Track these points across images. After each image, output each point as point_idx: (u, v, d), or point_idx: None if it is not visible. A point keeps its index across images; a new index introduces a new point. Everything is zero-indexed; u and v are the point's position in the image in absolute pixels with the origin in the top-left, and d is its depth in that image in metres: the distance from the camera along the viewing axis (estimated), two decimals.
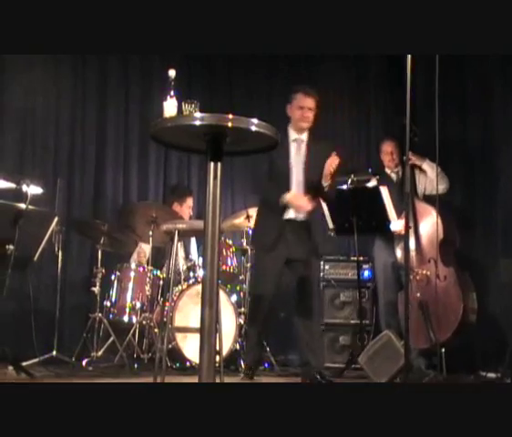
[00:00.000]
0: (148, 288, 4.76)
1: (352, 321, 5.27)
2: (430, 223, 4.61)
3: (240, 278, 5.12)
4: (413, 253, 4.60)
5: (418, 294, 4.49)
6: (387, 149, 5.10)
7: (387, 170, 5.11)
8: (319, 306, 4.62)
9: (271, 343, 4.99)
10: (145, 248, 5.16)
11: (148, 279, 4.78)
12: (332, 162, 4.04)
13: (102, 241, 4.80)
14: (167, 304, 4.20)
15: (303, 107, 4.24)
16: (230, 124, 2.28)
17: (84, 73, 5.78)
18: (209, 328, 2.38)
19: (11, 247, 3.67)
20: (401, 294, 4.65)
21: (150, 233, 4.75)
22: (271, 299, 4.16)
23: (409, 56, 2.91)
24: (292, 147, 4.28)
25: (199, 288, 4.52)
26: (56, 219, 4.24)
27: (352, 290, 5.31)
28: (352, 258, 5.30)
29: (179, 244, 5.04)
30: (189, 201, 5.47)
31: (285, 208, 4.16)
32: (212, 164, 2.41)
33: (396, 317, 4.70)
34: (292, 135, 4.30)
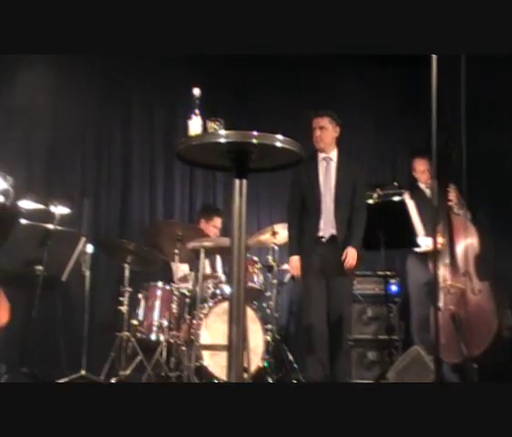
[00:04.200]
0: (174, 306, 4.76)
1: (380, 337, 5.21)
2: (466, 236, 4.55)
3: (267, 294, 5.10)
4: (447, 266, 4.54)
5: (451, 307, 4.43)
6: (420, 168, 5.03)
7: (421, 185, 5.05)
8: (347, 322, 4.57)
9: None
10: (180, 267, 5.14)
11: (174, 297, 4.78)
12: (350, 263, 4.12)
13: (129, 260, 4.82)
14: (194, 322, 4.20)
15: (315, 128, 4.28)
16: (254, 140, 2.28)
17: (110, 94, 5.85)
18: (236, 345, 2.37)
19: (40, 267, 3.71)
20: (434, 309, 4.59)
21: (177, 251, 4.77)
22: (325, 324, 4.15)
23: (434, 57, 2.77)
24: (321, 167, 4.31)
25: (225, 305, 4.53)
26: (83, 240, 4.29)
27: (379, 306, 5.26)
28: (379, 272, 5.25)
29: (206, 262, 5.04)
30: (217, 221, 5.48)
31: (316, 225, 4.20)
32: (238, 181, 2.42)
33: (429, 332, 4.64)
34: (321, 154, 4.33)
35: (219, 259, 5.53)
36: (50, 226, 3.73)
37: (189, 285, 4.91)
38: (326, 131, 4.32)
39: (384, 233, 4.60)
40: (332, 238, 4.25)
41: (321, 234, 4.24)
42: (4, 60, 5.12)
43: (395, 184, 4.96)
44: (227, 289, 4.85)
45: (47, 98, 5.55)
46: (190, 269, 5.13)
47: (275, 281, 5.08)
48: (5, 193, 3.37)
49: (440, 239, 4.40)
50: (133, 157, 5.92)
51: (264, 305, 5.14)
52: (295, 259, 4.35)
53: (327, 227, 4.28)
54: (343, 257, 4.17)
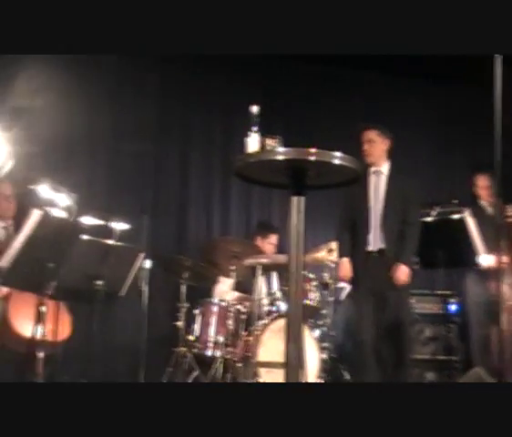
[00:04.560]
0: (230, 322, 4.78)
1: (438, 357, 5.10)
2: None
3: (323, 312, 5.07)
4: (510, 286, 4.41)
5: None
6: (483, 184, 4.91)
7: (482, 202, 4.93)
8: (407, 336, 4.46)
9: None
10: (226, 283, 5.20)
11: (230, 314, 4.80)
12: (400, 280, 4.06)
13: (186, 276, 4.88)
14: (250, 338, 4.20)
15: (364, 141, 4.26)
16: (312, 158, 2.28)
17: (167, 112, 5.96)
18: (293, 363, 2.36)
19: (100, 282, 3.77)
20: (495, 329, 4.47)
21: (233, 268, 4.79)
22: (372, 341, 4.11)
23: (498, 58, 2.68)
24: (371, 181, 4.27)
25: (281, 322, 4.52)
26: (141, 255, 4.35)
27: (438, 325, 5.16)
28: (437, 291, 5.15)
29: (262, 278, 5.05)
30: (273, 238, 5.50)
31: (364, 240, 4.16)
32: (295, 198, 2.42)
33: (490, 353, 4.51)
34: (371, 168, 4.30)
35: (275, 276, 5.54)
36: (110, 241, 3.79)
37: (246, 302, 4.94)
38: (374, 144, 4.30)
39: (443, 252, 4.52)
40: (381, 252, 4.19)
41: (369, 248, 4.20)
42: (68, 77, 5.27)
43: (455, 201, 4.86)
44: (283, 307, 4.84)
45: (108, 115, 5.70)
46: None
47: (331, 299, 5.04)
48: (68, 209, 3.46)
49: (504, 258, 4.29)
50: (190, 173, 6.00)
51: (320, 323, 5.11)
52: (345, 261, 4.32)
53: (376, 241, 4.24)
54: (394, 273, 4.12)
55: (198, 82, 5.98)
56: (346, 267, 4.32)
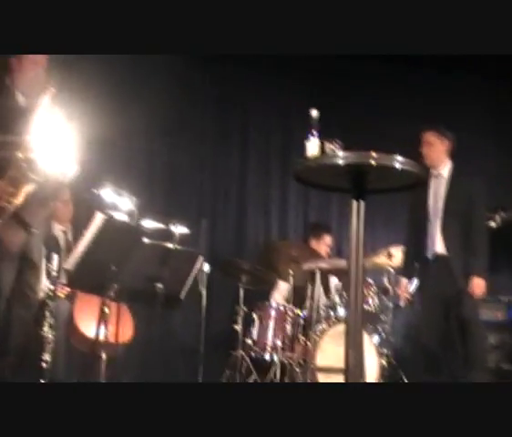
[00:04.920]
0: (288, 326, 4.77)
1: (503, 366, 4.96)
2: None
3: (382, 318, 5.00)
4: None
5: None
6: None
7: None
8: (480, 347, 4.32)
9: None
10: (284, 287, 5.20)
11: (288, 318, 4.80)
12: (477, 293, 3.97)
13: (244, 280, 4.90)
14: (308, 343, 4.19)
15: (422, 143, 4.18)
16: (373, 162, 2.26)
17: (226, 117, 6.01)
18: (353, 369, 2.34)
19: (160, 285, 3.82)
20: None
21: (291, 272, 4.79)
22: (435, 345, 4.05)
23: None
24: (432, 183, 4.20)
25: (340, 327, 4.49)
26: (200, 259, 4.39)
27: (502, 333, 5.02)
28: (501, 298, 5.01)
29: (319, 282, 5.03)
30: (327, 239, 5.47)
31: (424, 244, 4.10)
32: (355, 202, 2.40)
33: None
34: (432, 170, 4.22)
35: (333, 280, 5.50)
36: (170, 245, 3.83)
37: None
38: (433, 147, 4.22)
39: (507, 257, 4.40)
40: (443, 258, 4.11)
41: (430, 254, 4.12)
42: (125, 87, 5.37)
43: None
44: (341, 311, 4.80)
45: (166, 119, 5.79)
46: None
47: (391, 305, 4.97)
48: (129, 213, 3.52)
49: None
50: (249, 177, 6.05)
51: (379, 329, 5.04)
52: (405, 283, 4.30)
53: (436, 246, 4.16)
54: (471, 287, 4.02)
55: (256, 84, 6.00)
56: (406, 288, 4.29)
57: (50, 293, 3.80)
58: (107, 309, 3.49)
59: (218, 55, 5.71)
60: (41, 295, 3.91)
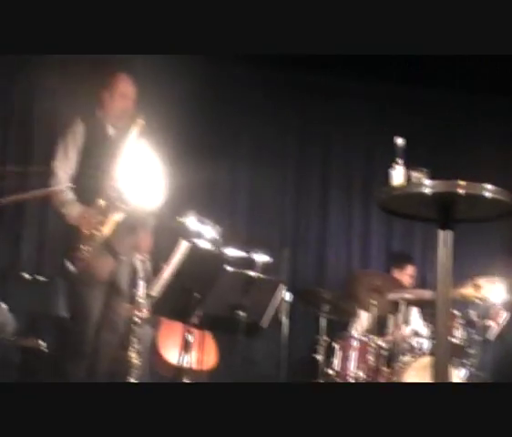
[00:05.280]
0: (371, 357, 4.68)
1: None
2: None
3: (469, 351, 4.82)
4: None
5: None
6: None
7: None
8: None
9: None
10: (366, 317, 5.12)
11: (370, 349, 4.70)
12: None
13: (325, 309, 4.85)
14: (392, 375, 4.09)
15: None
16: (461, 191, 2.20)
17: (308, 146, 6.03)
18: None
19: (242, 313, 3.84)
20: None
21: (373, 302, 4.70)
22: None
23: None
24: None
25: (425, 360, 4.36)
26: (282, 287, 4.38)
27: None
28: None
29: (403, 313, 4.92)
30: (410, 269, 5.36)
31: None
32: (442, 232, 2.34)
33: None
34: None
35: (415, 311, 5.37)
36: (252, 273, 3.86)
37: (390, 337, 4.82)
38: None
39: None
40: None
41: None
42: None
43: None
44: (426, 344, 4.66)
45: (250, 150, 5.88)
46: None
47: (478, 338, 4.79)
48: (213, 241, 3.57)
49: None
50: (330, 205, 6.03)
51: (467, 362, 4.86)
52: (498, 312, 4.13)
53: None
54: None
55: (339, 112, 6.00)
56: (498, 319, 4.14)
57: (136, 319, 3.89)
58: (190, 337, 3.54)
59: (302, 83, 5.79)
60: (127, 321, 4.01)
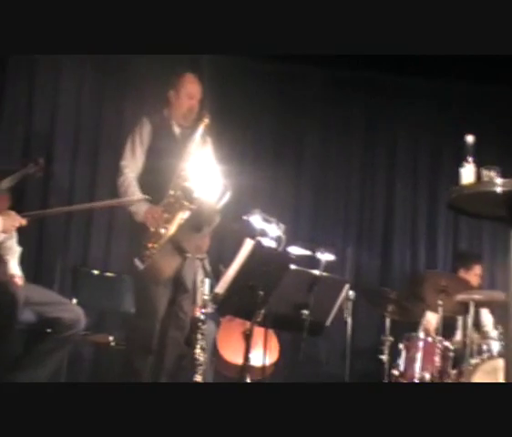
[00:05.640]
0: (437, 359, 4.59)
1: None
2: None
3: None
4: None
5: None
6: None
7: None
8: None
9: None
10: (431, 318, 5.02)
11: (437, 350, 4.61)
12: None
13: (390, 309, 4.79)
14: (460, 377, 4.01)
15: None
16: None
17: (373, 145, 5.98)
18: None
19: (306, 312, 3.83)
20: None
21: (440, 302, 4.61)
22: None
23: None
24: None
25: (494, 363, 4.25)
26: (347, 286, 4.35)
27: None
28: None
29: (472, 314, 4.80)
30: (477, 269, 5.22)
31: None
32: None
33: None
34: None
35: (485, 312, 5.23)
36: (317, 272, 3.84)
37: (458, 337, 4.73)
38: None
39: None
40: None
41: None
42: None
43: None
44: (495, 346, 4.54)
45: (314, 148, 5.86)
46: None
47: None
48: (277, 239, 3.57)
49: None
50: (395, 204, 5.96)
51: None
52: None
53: None
54: None
55: (405, 110, 5.93)
56: None
57: (202, 316, 3.93)
58: (252, 335, 3.55)
59: (367, 82, 5.73)
60: (192, 318, 4.06)
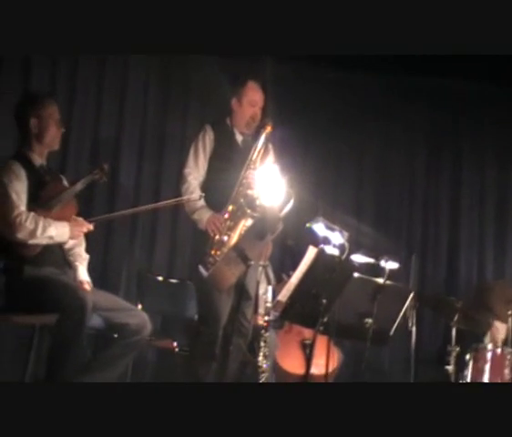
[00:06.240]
0: (507, 371, 4.45)
1: None
2: None
3: None
4: None
5: None
6: None
7: None
8: None
9: None
10: (501, 328, 4.87)
11: (507, 362, 4.47)
12: None
13: (456, 319, 4.68)
14: None
15: None
16: None
17: (438, 152, 5.86)
18: None
19: (370, 320, 3.78)
20: None
21: (510, 313, 4.48)
22: None
23: None
24: None
25: None
26: (411, 295, 4.28)
27: None
28: None
29: None
30: None
31: None
32: None
33: None
34: None
35: None
36: (380, 280, 3.79)
37: None
38: None
39: None
40: None
41: None
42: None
43: None
44: None
45: (376, 156, 5.79)
46: None
47: None
48: (341, 247, 3.54)
49: None
50: (461, 212, 5.82)
51: None
52: None
53: None
54: None
55: (470, 118, 5.81)
56: None
57: (263, 324, 3.94)
58: (312, 344, 3.53)
59: (431, 88, 5.62)
60: (255, 325, 4.07)
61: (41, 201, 3.36)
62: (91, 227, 3.47)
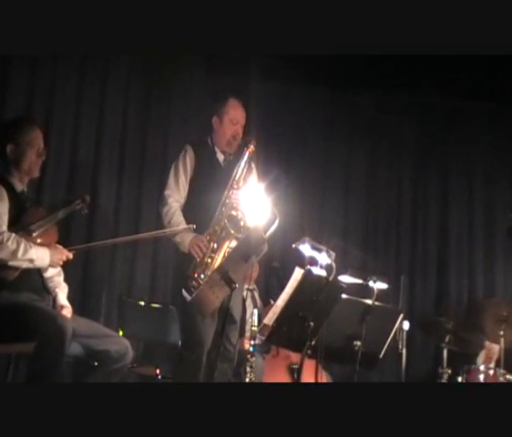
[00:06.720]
0: None
1: None
2: None
3: None
4: None
5: None
6: None
7: None
8: None
9: None
10: (493, 349, 4.80)
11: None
12: None
13: (447, 340, 4.60)
14: None
15: None
16: None
17: (425, 172, 5.84)
18: None
19: (358, 343, 3.68)
20: None
21: (501, 333, 4.41)
22: None
23: None
24: None
25: None
26: (401, 316, 4.18)
27: None
28: None
29: None
30: None
31: None
32: None
33: None
34: None
35: None
36: (369, 301, 3.69)
37: None
38: None
39: None
40: None
41: None
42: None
43: None
44: None
45: (361, 173, 5.73)
46: None
47: None
48: (328, 268, 3.44)
49: None
50: (450, 230, 5.78)
51: None
52: None
53: None
54: None
55: (458, 134, 5.81)
56: None
57: (251, 348, 3.82)
58: (298, 368, 3.43)
59: (418, 106, 5.60)
60: (240, 350, 3.94)
61: (22, 225, 3.24)
62: (70, 255, 3.34)
